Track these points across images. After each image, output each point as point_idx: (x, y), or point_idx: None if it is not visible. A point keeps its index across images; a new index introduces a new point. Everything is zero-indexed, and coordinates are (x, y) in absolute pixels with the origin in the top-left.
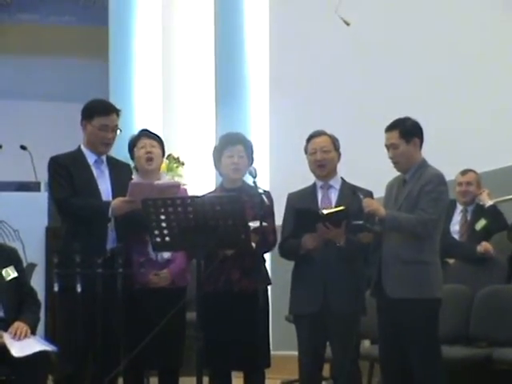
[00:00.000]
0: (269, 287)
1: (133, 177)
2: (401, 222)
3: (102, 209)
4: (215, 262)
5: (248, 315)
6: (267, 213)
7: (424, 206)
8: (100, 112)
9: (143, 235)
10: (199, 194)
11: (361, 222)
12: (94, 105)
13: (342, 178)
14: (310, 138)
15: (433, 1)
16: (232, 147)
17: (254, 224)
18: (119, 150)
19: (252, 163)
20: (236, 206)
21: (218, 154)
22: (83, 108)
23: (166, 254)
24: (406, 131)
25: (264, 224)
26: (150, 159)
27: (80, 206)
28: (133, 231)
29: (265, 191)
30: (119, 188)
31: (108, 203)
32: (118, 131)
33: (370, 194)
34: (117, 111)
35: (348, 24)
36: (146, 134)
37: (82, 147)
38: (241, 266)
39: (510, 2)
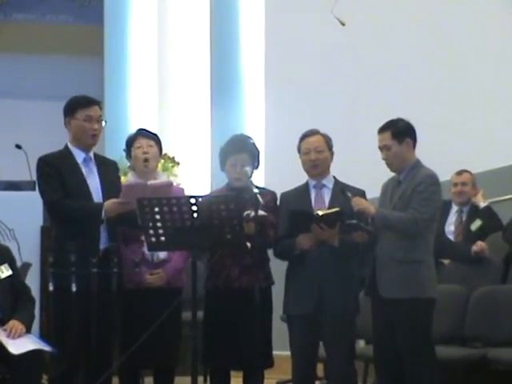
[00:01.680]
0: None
1: (129, 176)
2: (391, 220)
3: (95, 210)
4: (214, 258)
5: (247, 313)
6: (269, 210)
7: (415, 205)
8: (82, 105)
9: (138, 235)
10: (196, 193)
11: (354, 222)
12: (75, 100)
13: (334, 177)
14: (303, 138)
15: (428, 1)
16: (235, 156)
17: (249, 212)
18: (115, 150)
19: (257, 168)
20: (232, 206)
21: (224, 158)
22: (64, 106)
23: (162, 254)
24: (398, 132)
25: (261, 213)
26: (146, 160)
27: (73, 208)
28: (125, 230)
29: (263, 189)
30: (108, 186)
31: (101, 205)
32: (103, 123)
33: (361, 193)
34: (98, 103)
35: (343, 24)
36: (142, 133)
37: (69, 145)
38: (240, 262)
39: (509, 3)
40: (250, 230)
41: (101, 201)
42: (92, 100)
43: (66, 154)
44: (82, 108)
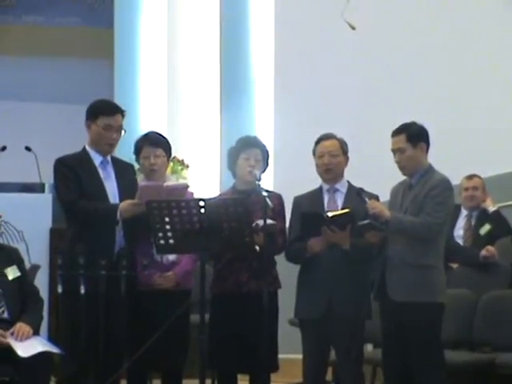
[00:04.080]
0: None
1: (140, 179)
2: (405, 224)
3: (110, 212)
4: (223, 262)
5: (255, 317)
6: (277, 214)
7: (429, 209)
8: (105, 112)
9: (149, 237)
10: (205, 196)
11: (368, 221)
12: (99, 105)
13: (348, 182)
14: (318, 141)
15: (438, 5)
16: (249, 150)
17: (259, 222)
18: (125, 152)
19: (267, 168)
20: (241, 209)
21: (235, 155)
22: (88, 108)
23: (172, 256)
24: (413, 135)
25: (270, 222)
26: (153, 171)
27: (88, 210)
28: (140, 232)
29: (270, 192)
30: (125, 189)
31: (116, 206)
32: (123, 132)
33: (375, 197)
34: (122, 112)
35: (354, 28)
36: (150, 141)
37: (87, 148)
38: (249, 267)
39: None
40: (260, 240)
41: None
42: (115, 108)
43: (83, 156)
44: (104, 115)
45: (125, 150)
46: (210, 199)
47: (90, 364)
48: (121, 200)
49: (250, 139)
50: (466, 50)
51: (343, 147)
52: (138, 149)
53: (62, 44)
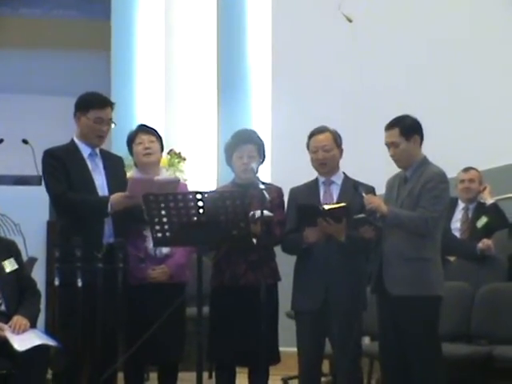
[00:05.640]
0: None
1: (132, 172)
2: (402, 218)
3: (100, 204)
4: (220, 254)
5: (253, 310)
6: (275, 206)
7: (425, 203)
8: (95, 105)
9: (141, 230)
10: (203, 188)
11: (362, 216)
12: (90, 98)
13: (344, 174)
14: (311, 135)
15: None
16: (242, 147)
17: (255, 212)
18: (121, 146)
19: (263, 161)
20: (238, 202)
21: (230, 152)
22: (77, 100)
23: (165, 250)
24: (406, 129)
25: (266, 213)
26: (148, 154)
27: (78, 202)
28: (130, 226)
29: (270, 185)
30: (114, 181)
31: (107, 198)
32: (113, 124)
33: (371, 190)
34: (111, 104)
35: (351, 21)
36: (143, 129)
37: (76, 140)
38: (246, 259)
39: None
40: (256, 229)
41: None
42: (106, 101)
43: (71, 148)
44: (95, 109)
45: (121, 143)
46: (208, 192)
47: (86, 356)
48: (110, 192)
49: (243, 135)
50: (465, 41)
51: (337, 140)
52: (132, 138)
53: (59, 36)
